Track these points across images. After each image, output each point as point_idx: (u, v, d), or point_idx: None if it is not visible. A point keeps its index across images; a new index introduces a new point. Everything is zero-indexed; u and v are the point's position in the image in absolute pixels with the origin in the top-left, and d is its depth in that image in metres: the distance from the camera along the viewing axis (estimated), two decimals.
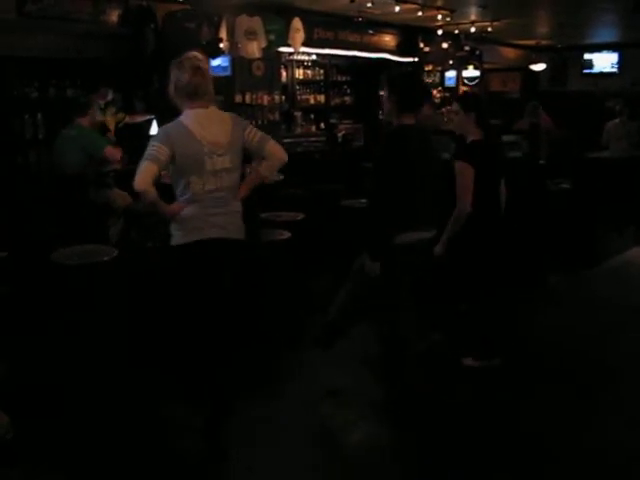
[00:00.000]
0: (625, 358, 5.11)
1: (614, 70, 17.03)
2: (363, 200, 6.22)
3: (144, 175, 3.38)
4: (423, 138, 4.05)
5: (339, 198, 6.34)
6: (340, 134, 9.84)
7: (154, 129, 8.61)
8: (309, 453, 3.77)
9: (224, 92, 9.24)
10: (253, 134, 3.66)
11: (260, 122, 10.13)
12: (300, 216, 5.76)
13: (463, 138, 4.68)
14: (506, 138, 7.46)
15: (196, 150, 3.46)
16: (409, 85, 4.06)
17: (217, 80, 9.06)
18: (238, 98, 9.86)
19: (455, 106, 4.72)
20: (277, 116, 10.46)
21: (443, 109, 11.39)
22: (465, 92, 7.69)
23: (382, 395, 4.38)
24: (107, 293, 4.47)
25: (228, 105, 8.98)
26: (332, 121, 11.74)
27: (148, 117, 8.18)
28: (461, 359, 4.75)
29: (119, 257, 4.50)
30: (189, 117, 3.54)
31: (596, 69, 17.26)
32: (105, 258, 4.47)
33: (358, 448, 3.90)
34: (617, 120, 11.07)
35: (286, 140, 10.33)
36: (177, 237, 3.57)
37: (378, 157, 3.98)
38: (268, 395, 4.37)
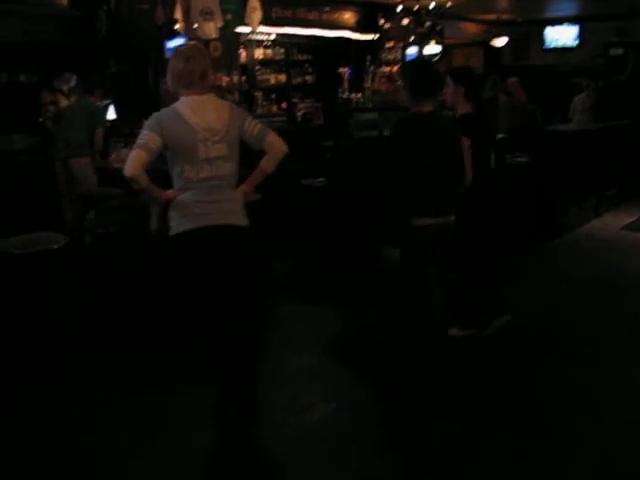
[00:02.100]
0: (580, 332, 5.16)
1: (575, 43, 17.09)
2: (322, 179, 6.21)
3: (134, 162, 3.33)
4: (440, 124, 4.07)
5: (299, 177, 6.27)
6: (299, 113, 9.76)
7: (111, 114, 8.48)
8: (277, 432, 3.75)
9: None
10: (253, 126, 3.58)
11: None
12: (257, 196, 5.66)
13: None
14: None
15: (189, 137, 3.39)
16: (420, 73, 4.06)
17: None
18: None
19: (448, 79, 4.73)
20: (236, 97, 10.33)
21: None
22: (457, 66, 7.67)
23: (347, 375, 4.40)
24: (57, 282, 4.38)
25: None
26: (293, 100, 11.65)
27: (105, 102, 8.06)
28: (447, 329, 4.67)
29: (69, 245, 4.40)
30: (183, 103, 3.46)
31: (557, 43, 17.30)
32: (54, 246, 4.36)
33: (321, 428, 3.87)
34: (584, 94, 11.21)
35: None
36: (174, 226, 3.51)
37: (389, 144, 4.02)
38: None
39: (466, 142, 4.41)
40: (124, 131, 7.52)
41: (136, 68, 8.76)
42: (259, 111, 11.23)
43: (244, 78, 11.17)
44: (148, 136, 3.37)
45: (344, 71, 12.05)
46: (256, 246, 3.72)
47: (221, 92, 9.97)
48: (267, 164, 3.64)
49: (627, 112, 10.64)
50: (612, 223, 8.49)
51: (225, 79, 10.18)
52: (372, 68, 12.51)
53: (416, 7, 12.31)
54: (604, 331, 5.13)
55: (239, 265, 3.54)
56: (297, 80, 12.56)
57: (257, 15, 10.12)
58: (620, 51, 15.08)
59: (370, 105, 11.39)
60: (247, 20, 9.99)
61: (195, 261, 3.50)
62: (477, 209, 4.73)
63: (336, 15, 12.10)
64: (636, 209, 9.19)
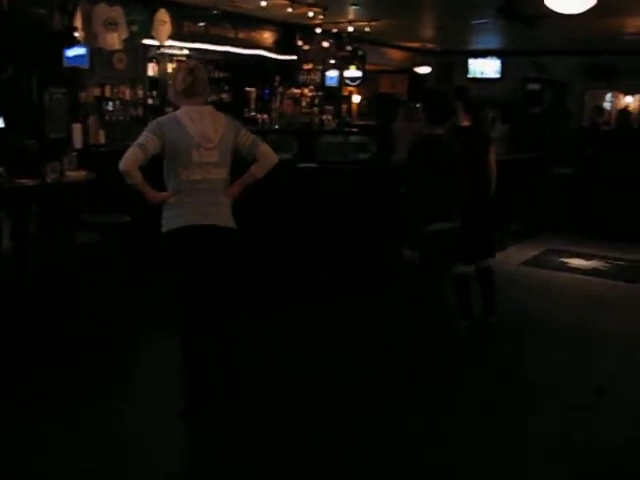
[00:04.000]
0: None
1: (497, 76, 17.31)
2: None
3: (129, 158, 3.67)
4: (449, 145, 4.65)
5: None
6: None
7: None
8: None
9: (80, 84, 8.71)
10: (246, 137, 3.94)
11: (122, 118, 9.64)
12: (126, 218, 5.36)
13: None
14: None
15: (185, 141, 3.72)
16: (435, 101, 4.72)
17: (72, 71, 8.76)
18: (97, 91, 9.31)
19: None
20: (140, 112, 9.95)
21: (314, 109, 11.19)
22: (460, 85, 7.69)
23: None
24: None
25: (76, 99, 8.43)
26: None
27: None
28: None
29: None
30: (183, 112, 3.82)
31: (481, 74, 17.49)
32: None
33: None
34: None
35: None
36: (165, 224, 3.85)
37: (407, 164, 4.63)
38: None
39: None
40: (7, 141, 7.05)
41: (24, 75, 8.30)
42: None
43: (155, 93, 10.81)
44: (148, 137, 3.71)
45: (251, 91, 11.80)
46: (238, 247, 3.99)
47: (124, 106, 9.64)
48: (257, 170, 3.99)
49: (537, 146, 10.71)
50: (514, 257, 8.41)
51: (130, 92, 9.79)
52: (280, 89, 12.31)
53: (334, 30, 12.15)
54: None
55: (219, 262, 3.90)
56: (212, 98, 12.21)
57: (166, 29, 9.84)
58: (537, 86, 15.33)
59: (276, 126, 11.17)
60: (154, 33, 9.69)
61: (182, 256, 3.85)
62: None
63: (253, 34, 11.86)
64: (540, 243, 9.17)
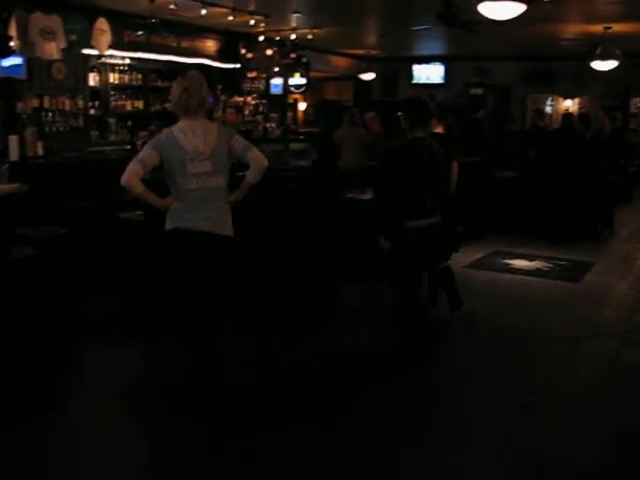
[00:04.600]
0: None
1: (442, 81, 17.56)
2: (140, 212, 5.82)
3: (129, 174, 4.05)
4: (430, 147, 5.05)
5: (117, 211, 5.86)
6: (139, 142, 9.30)
7: None
8: None
9: (16, 95, 8.56)
10: (238, 143, 4.26)
11: (62, 129, 9.47)
12: (62, 230, 5.26)
13: None
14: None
15: (179, 155, 4.10)
16: (414, 107, 5.07)
17: (8, 82, 8.58)
18: (35, 102, 9.14)
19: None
20: (82, 122, 9.79)
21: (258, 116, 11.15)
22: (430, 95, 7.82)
23: None
24: None
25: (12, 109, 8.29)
26: (151, 128, 11.16)
27: None
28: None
29: None
30: (178, 127, 4.19)
31: (424, 80, 17.72)
32: None
33: None
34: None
35: (94, 148, 9.71)
36: (167, 225, 4.23)
37: (394, 163, 5.07)
38: None
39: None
40: None
41: None
42: (112, 138, 10.72)
43: (97, 103, 10.65)
44: (147, 153, 4.13)
45: None
46: (230, 253, 4.29)
47: (64, 117, 9.46)
48: (251, 176, 4.32)
49: (481, 150, 10.84)
50: (459, 260, 8.46)
51: (70, 103, 9.63)
52: (223, 98, 12.27)
53: (277, 38, 12.16)
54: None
55: (209, 266, 4.23)
56: (156, 107, 12.09)
57: (105, 38, 9.69)
58: (479, 91, 15.58)
59: None
60: (94, 42, 9.54)
61: (174, 255, 4.25)
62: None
63: (196, 42, 11.80)
64: (484, 246, 9.29)
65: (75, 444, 3.92)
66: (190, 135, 4.13)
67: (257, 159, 4.27)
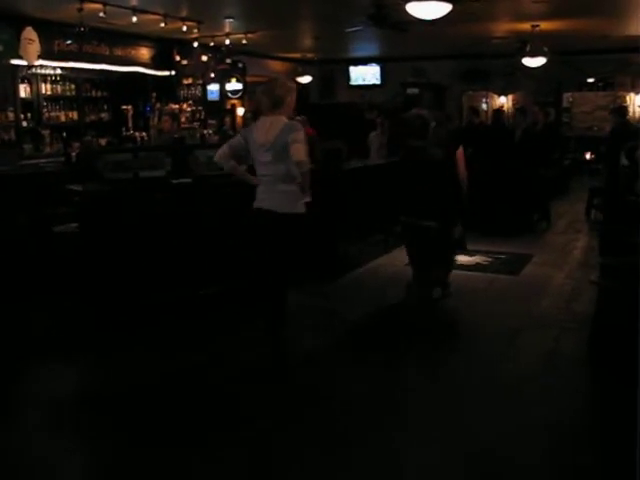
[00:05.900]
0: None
1: (378, 82, 17.72)
2: (74, 224, 5.71)
3: (219, 152, 4.97)
4: (427, 154, 6.15)
5: (52, 224, 5.74)
6: (74, 152, 9.14)
7: None
8: None
9: None
10: (291, 139, 4.65)
11: None
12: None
13: None
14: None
15: (252, 146, 4.83)
16: (406, 122, 6.29)
17: None
18: None
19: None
20: (13, 135, 9.57)
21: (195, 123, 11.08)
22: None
23: None
24: None
25: None
26: (86, 138, 10.99)
27: None
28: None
29: None
30: (257, 123, 4.94)
31: (361, 81, 17.86)
32: None
33: None
34: (378, 131, 11.40)
35: (28, 162, 9.48)
36: (254, 203, 4.92)
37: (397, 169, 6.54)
38: None
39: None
40: None
41: None
42: (47, 150, 10.51)
43: (29, 115, 10.44)
44: (236, 138, 5.06)
45: (128, 108, 11.57)
46: (291, 229, 4.82)
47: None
48: (298, 167, 4.69)
49: None
50: (400, 258, 8.53)
51: None
52: (158, 105, 12.17)
53: (212, 44, 12.09)
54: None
55: (275, 239, 4.83)
56: (91, 117, 11.91)
57: (34, 48, 9.52)
58: (416, 90, 15.77)
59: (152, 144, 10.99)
60: (22, 53, 9.35)
61: (254, 228, 4.91)
62: None
63: (129, 50, 11.67)
64: None
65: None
66: (261, 129, 4.80)
67: (294, 154, 4.66)
